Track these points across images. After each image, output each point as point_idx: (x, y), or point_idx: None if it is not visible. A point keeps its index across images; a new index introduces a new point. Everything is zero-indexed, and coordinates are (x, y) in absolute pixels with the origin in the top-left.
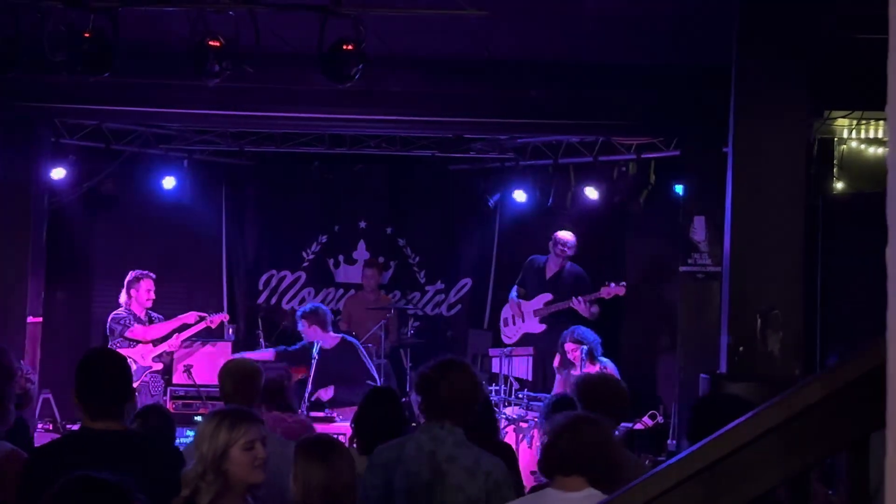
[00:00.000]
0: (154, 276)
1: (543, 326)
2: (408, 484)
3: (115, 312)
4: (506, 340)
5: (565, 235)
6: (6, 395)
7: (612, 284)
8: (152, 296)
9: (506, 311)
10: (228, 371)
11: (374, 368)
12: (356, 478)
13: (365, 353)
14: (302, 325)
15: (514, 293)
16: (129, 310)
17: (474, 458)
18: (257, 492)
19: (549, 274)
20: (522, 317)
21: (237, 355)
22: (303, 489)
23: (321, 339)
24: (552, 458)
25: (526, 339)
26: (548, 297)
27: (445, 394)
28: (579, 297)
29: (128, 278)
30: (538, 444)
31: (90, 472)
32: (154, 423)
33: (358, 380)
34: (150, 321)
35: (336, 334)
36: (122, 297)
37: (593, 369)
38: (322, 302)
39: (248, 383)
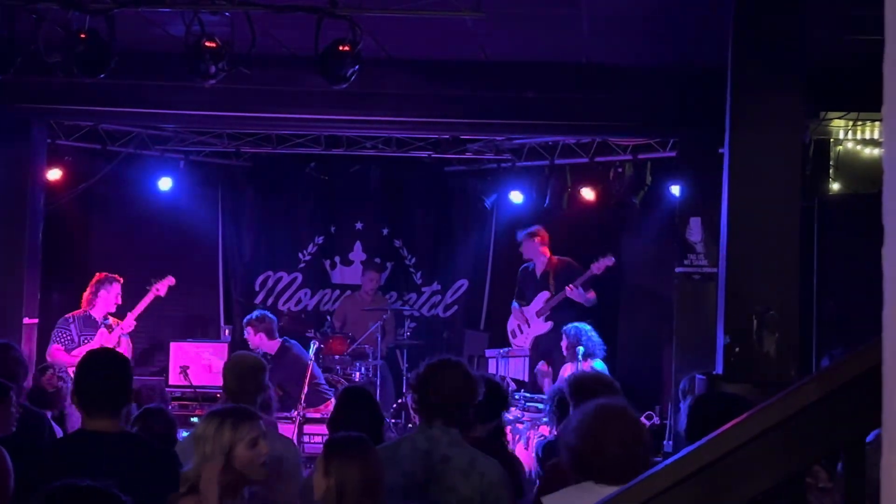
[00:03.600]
0: (121, 280)
1: (550, 324)
2: (402, 484)
3: (63, 318)
4: (518, 351)
5: (537, 238)
6: (20, 391)
7: (600, 258)
8: (118, 301)
9: (511, 323)
10: (232, 366)
11: (315, 366)
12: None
13: (304, 351)
14: (247, 332)
15: (515, 305)
16: (87, 312)
17: (469, 459)
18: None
19: (539, 272)
20: (528, 322)
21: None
22: (339, 485)
23: (265, 347)
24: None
25: (537, 343)
26: (545, 294)
27: (440, 394)
28: (570, 285)
29: (96, 279)
30: (534, 444)
31: (73, 480)
32: (155, 425)
33: (300, 376)
34: (108, 327)
35: (275, 340)
36: (86, 298)
37: (585, 366)
38: (318, 303)
39: (252, 378)
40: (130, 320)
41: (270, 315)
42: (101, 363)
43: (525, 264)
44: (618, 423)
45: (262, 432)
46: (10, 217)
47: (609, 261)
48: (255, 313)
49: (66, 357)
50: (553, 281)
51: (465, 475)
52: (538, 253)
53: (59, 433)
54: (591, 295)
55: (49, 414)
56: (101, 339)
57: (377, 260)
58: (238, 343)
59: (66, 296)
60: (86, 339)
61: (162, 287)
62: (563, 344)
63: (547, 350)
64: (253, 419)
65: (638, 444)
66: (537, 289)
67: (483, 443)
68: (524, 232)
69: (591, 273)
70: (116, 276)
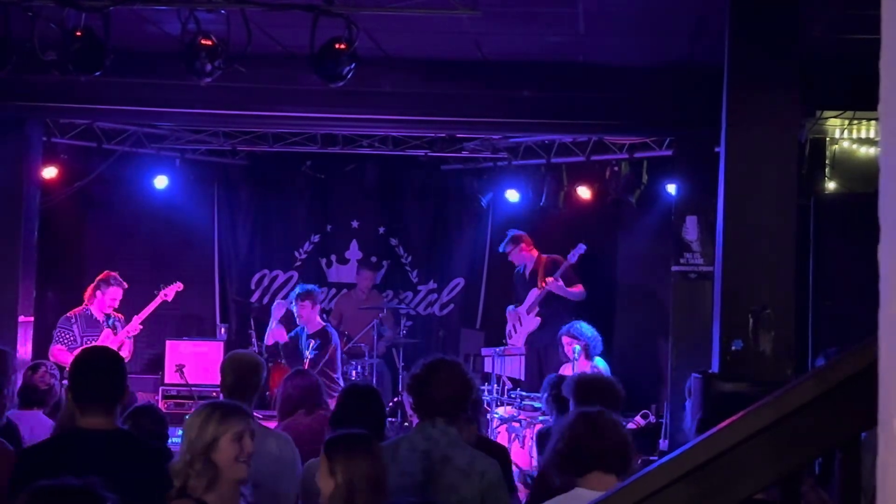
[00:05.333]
0: (126, 286)
1: (538, 320)
2: (402, 484)
3: (64, 316)
4: (514, 350)
5: (521, 244)
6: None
7: (571, 249)
8: (116, 304)
9: (508, 325)
10: (230, 363)
11: (340, 364)
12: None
13: (340, 347)
14: (305, 305)
15: (510, 308)
16: (87, 310)
17: (468, 459)
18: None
19: (528, 272)
20: (520, 321)
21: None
22: (347, 483)
23: (311, 322)
24: (579, 455)
25: (530, 340)
26: (535, 291)
27: (437, 393)
28: (548, 278)
29: (100, 276)
30: (530, 443)
31: (48, 482)
32: (146, 423)
33: (328, 373)
34: (113, 327)
35: (321, 321)
36: (87, 293)
37: (586, 365)
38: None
39: (251, 377)
40: (136, 324)
41: (317, 288)
42: (94, 361)
43: (517, 268)
44: (606, 427)
45: (251, 430)
46: (6, 215)
47: (580, 248)
48: (305, 287)
49: (68, 357)
50: (542, 278)
51: (464, 475)
52: (525, 258)
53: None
54: (578, 289)
55: (42, 411)
56: (105, 341)
57: (374, 259)
58: (234, 342)
59: (62, 294)
60: (89, 340)
61: (170, 292)
62: (565, 341)
63: (541, 346)
64: (242, 414)
65: (628, 451)
66: (528, 288)
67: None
68: (505, 242)
69: (568, 263)
70: (119, 279)
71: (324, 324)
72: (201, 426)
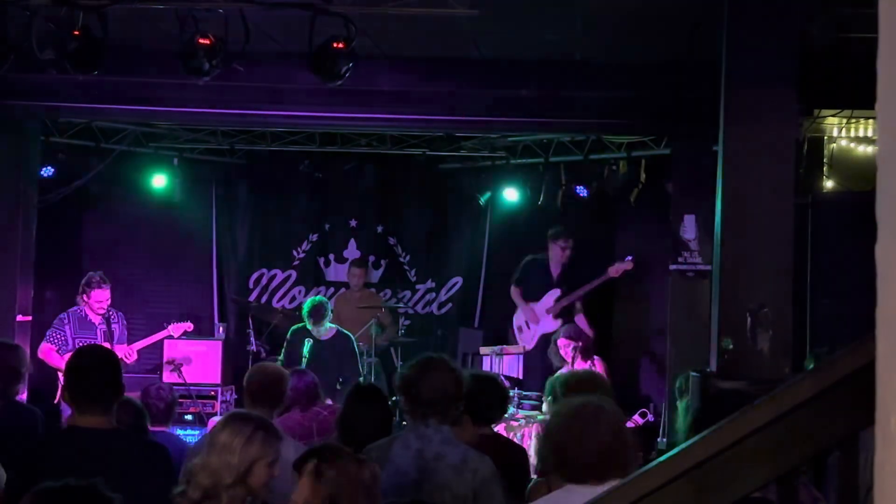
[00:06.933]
0: (109, 285)
1: (559, 323)
2: (395, 482)
3: (59, 316)
4: (513, 350)
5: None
6: (11, 394)
7: (617, 262)
8: (104, 306)
9: (518, 319)
10: (256, 374)
11: (362, 365)
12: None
13: (356, 348)
14: (325, 322)
15: (513, 292)
16: (79, 311)
17: (461, 456)
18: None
19: (554, 273)
20: (537, 319)
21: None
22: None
23: (324, 332)
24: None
25: (544, 340)
26: (556, 293)
27: (427, 393)
28: (586, 287)
29: (83, 280)
30: (529, 441)
31: (52, 483)
32: (124, 417)
33: (348, 376)
34: (109, 328)
35: (332, 326)
36: (78, 296)
37: (585, 366)
38: None
39: (275, 388)
40: (134, 353)
41: (324, 299)
42: (91, 360)
43: (534, 256)
44: (593, 423)
45: (280, 455)
46: (4, 214)
47: (627, 265)
48: (313, 301)
49: (56, 359)
50: (566, 281)
51: (457, 472)
52: (559, 255)
53: None
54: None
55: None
56: None
57: (372, 258)
58: (233, 341)
59: (60, 293)
60: (80, 342)
61: (177, 329)
62: (561, 343)
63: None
64: (279, 439)
65: (615, 444)
66: (548, 286)
67: (486, 439)
68: (555, 231)
69: (608, 276)
70: (101, 279)
71: (336, 328)
72: (243, 448)
